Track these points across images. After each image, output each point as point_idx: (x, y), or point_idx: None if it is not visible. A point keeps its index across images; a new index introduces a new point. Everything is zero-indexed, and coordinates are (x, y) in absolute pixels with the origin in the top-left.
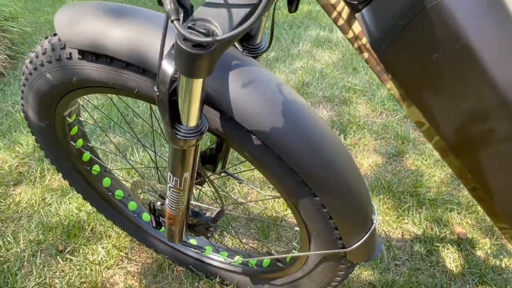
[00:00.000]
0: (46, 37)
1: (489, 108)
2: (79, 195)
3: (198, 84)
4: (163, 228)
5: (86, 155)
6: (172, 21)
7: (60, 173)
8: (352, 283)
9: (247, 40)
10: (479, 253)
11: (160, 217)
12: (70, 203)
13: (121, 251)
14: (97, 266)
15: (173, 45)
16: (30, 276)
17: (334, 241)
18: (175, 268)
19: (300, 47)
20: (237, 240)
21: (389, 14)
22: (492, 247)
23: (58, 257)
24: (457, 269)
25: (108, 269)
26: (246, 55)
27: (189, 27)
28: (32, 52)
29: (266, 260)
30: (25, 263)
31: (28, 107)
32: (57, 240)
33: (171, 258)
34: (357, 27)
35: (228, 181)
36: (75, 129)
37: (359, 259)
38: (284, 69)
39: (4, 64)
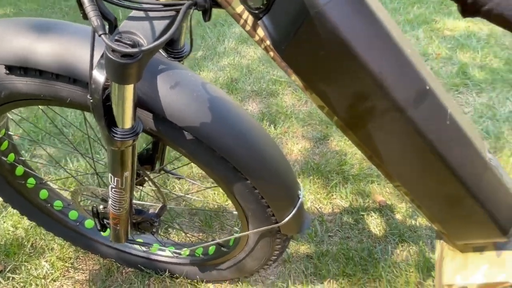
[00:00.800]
0: None
1: (368, 90)
2: (15, 212)
3: (129, 89)
4: (108, 231)
5: (20, 169)
6: (100, 35)
7: None
8: (292, 257)
9: (171, 45)
10: (397, 216)
11: (104, 220)
12: (4, 221)
13: (66, 262)
14: (43, 280)
15: (101, 56)
16: None
17: (268, 218)
18: (124, 270)
19: (225, 44)
20: (183, 234)
21: (283, 21)
22: (408, 209)
23: None
24: (381, 232)
25: (55, 281)
26: (171, 60)
27: (116, 40)
28: None
29: (212, 248)
30: None
31: None
32: None
33: (119, 261)
34: (260, 31)
35: (169, 180)
36: (5, 144)
37: (292, 231)
38: (212, 67)
39: None
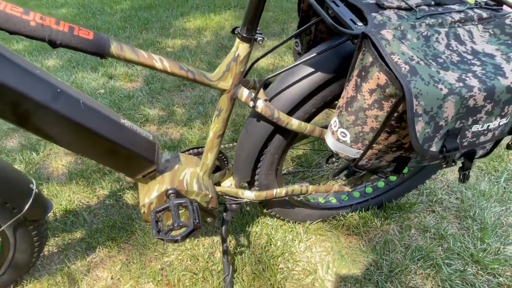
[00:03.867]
0: None
1: (16, 100)
2: None
3: None
4: None
5: None
6: None
7: None
8: (68, 246)
9: None
10: None
11: None
12: None
13: None
14: None
15: None
16: None
17: (11, 211)
18: None
19: None
20: None
21: None
22: None
23: None
24: (135, 201)
25: None
26: None
27: None
28: None
29: None
30: None
31: None
32: None
33: None
34: None
35: None
36: None
37: (38, 216)
38: None
39: None
